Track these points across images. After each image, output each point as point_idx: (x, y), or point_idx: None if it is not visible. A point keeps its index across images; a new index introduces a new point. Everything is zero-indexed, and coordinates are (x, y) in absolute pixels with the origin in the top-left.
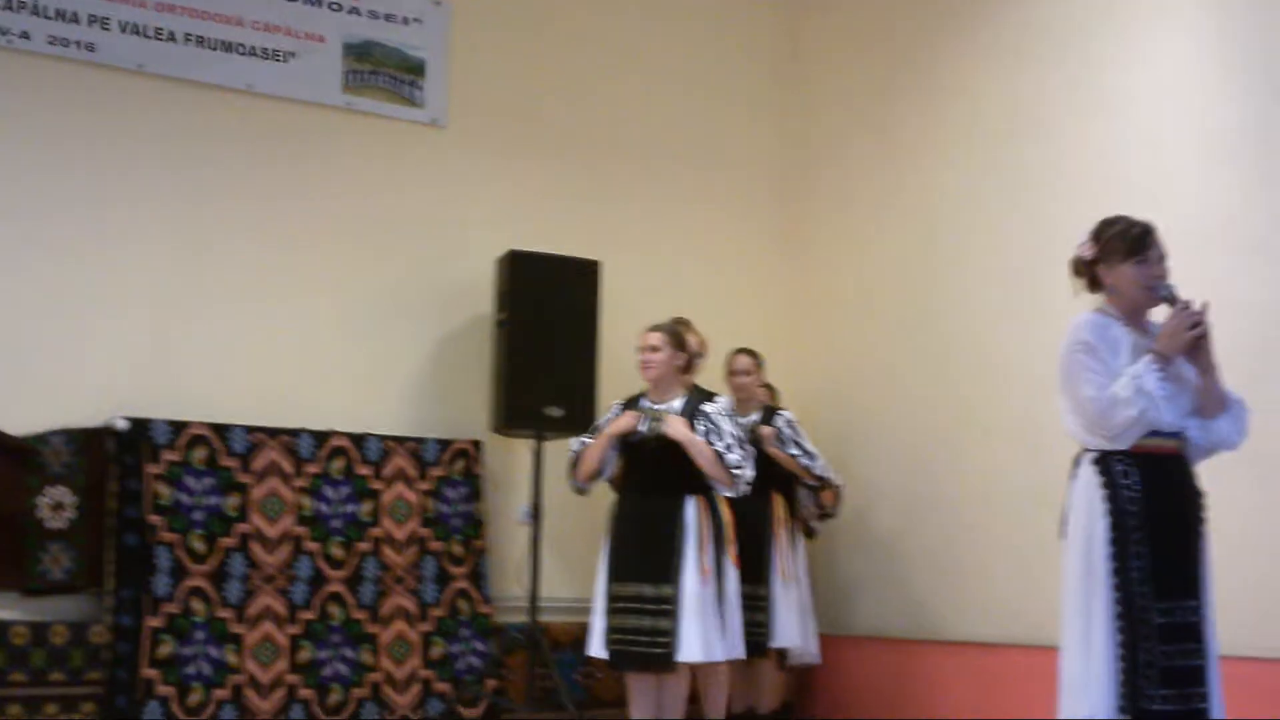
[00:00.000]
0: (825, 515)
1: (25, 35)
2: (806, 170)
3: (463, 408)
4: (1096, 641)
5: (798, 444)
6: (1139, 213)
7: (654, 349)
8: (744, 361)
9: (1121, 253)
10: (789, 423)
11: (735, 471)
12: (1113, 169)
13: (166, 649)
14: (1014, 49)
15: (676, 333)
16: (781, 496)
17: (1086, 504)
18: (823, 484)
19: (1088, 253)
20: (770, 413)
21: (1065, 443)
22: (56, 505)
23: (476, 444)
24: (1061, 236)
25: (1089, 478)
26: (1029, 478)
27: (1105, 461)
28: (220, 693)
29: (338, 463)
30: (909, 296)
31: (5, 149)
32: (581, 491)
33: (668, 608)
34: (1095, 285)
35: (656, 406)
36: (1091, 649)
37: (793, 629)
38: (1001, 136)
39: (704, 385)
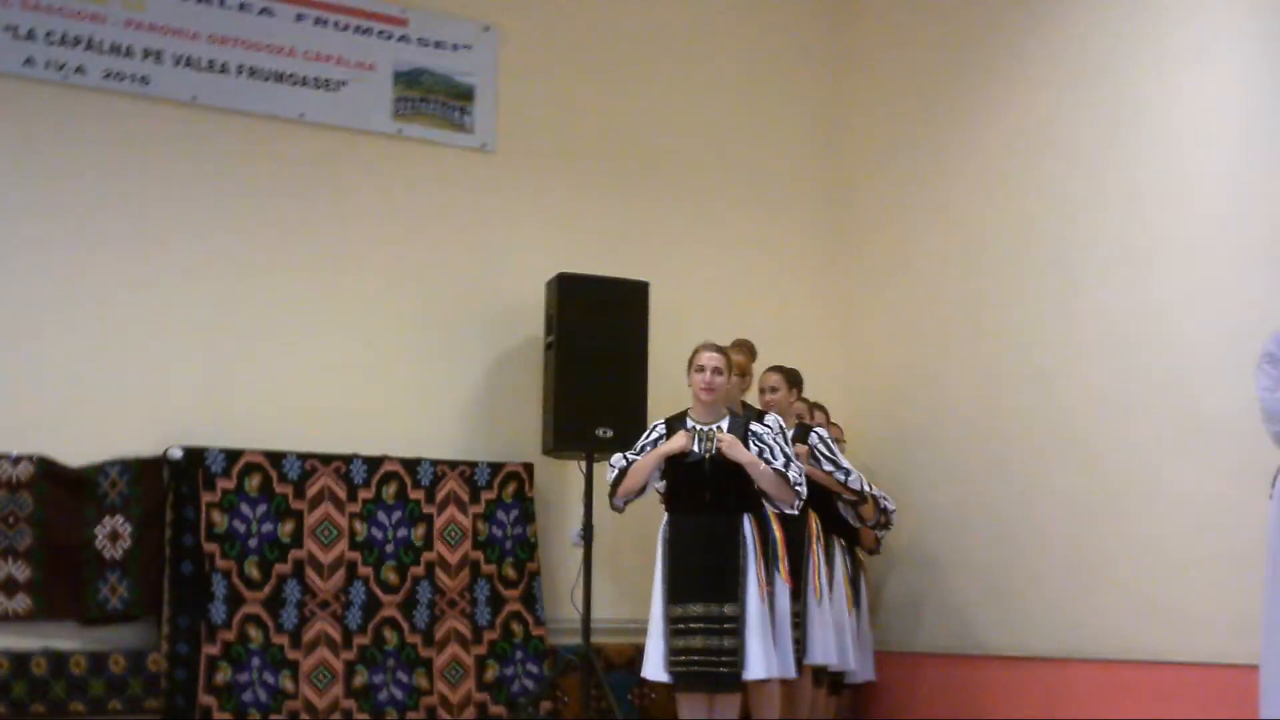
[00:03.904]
0: (875, 529)
1: (80, 70)
2: (852, 187)
3: (514, 430)
4: None
5: (831, 460)
6: (1174, 223)
7: (717, 371)
8: (772, 379)
9: None
10: (822, 439)
11: (796, 488)
12: (1148, 181)
13: (223, 676)
14: (1050, 63)
15: (739, 354)
16: (816, 514)
17: (1276, 516)
18: (859, 497)
19: None
20: (805, 430)
21: (1117, 452)
22: (114, 535)
23: (528, 466)
24: (1102, 247)
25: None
26: (1081, 489)
27: None
28: (277, 718)
29: (390, 487)
30: (955, 312)
31: (60, 183)
32: (619, 509)
33: (732, 626)
34: None
35: (704, 427)
36: None
37: (828, 646)
38: (1040, 151)
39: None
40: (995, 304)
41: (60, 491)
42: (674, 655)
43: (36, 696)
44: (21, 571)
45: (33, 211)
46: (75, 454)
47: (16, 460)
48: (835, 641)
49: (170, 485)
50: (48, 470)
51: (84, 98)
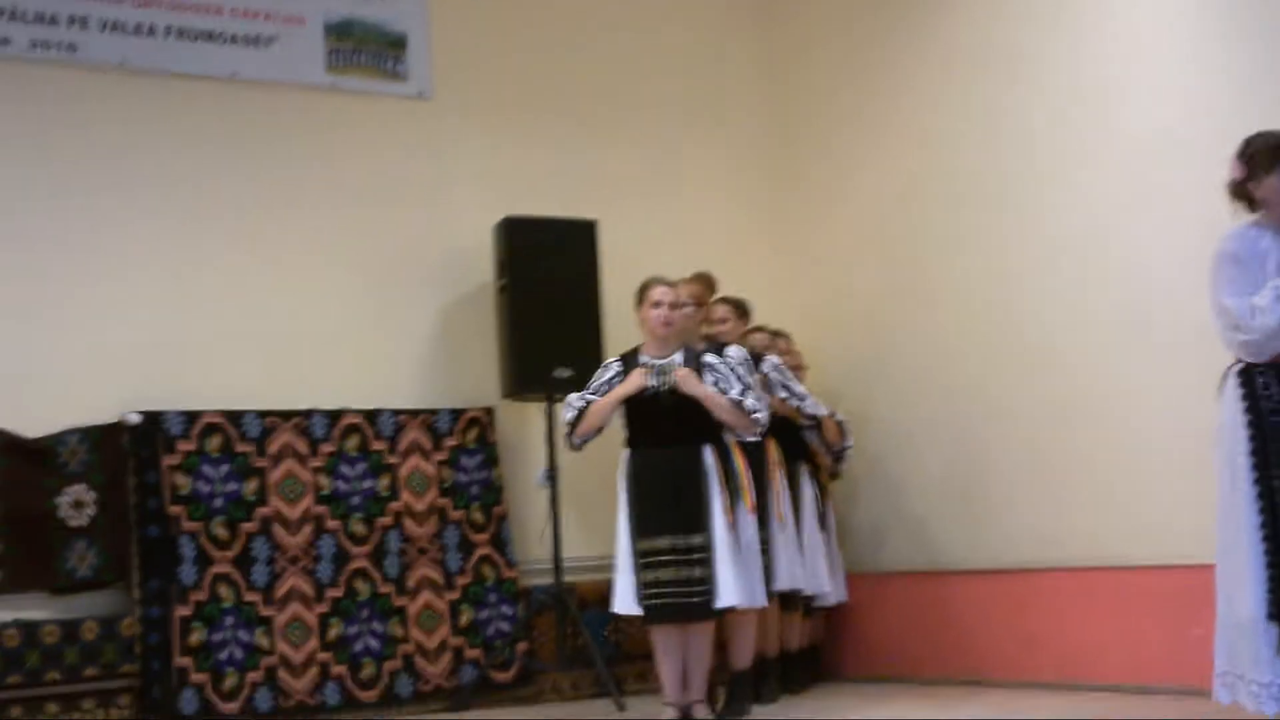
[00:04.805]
0: (838, 453)
1: (6, 41)
2: (796, 119)
3: (472, 376)
4: (1243, 549)
5: (785, 386)
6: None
7: (672, 305)
8: (721, 310)
9: (1266, 165)
10: (775, 367)
11: (754, 416)
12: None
13: (197, 637)
14: None
15: (697, 288)
16: (775, 441)
17: (1230, 417)
18: (816, 421)
19: (1237, 173)
20: (757, 360)
21: (1072, 359)
22: (77, 503)
23: (489, 411)
24: (1042, 154)
25: (1232, 390)
26: (1038, 399)
27: (1248, 374)
28: (254, 675)
29: (352, 440)
30: (903, 230)
31: (17, 163)
32: (577, 449)
33: (700, 556)
34: (1253, 205)
35: (658, 361)
36: (1238, 557)
37: (794, 571)
38: (979, 65)
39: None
40: (941, 217)
41: (20, 463)
42: (644, 589)
43: (11, 668)
44: None
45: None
46: (32, 425)
47: None
48: (804, 565)
49: (130, 450)
50: (6, 442)
51: (13, 70)
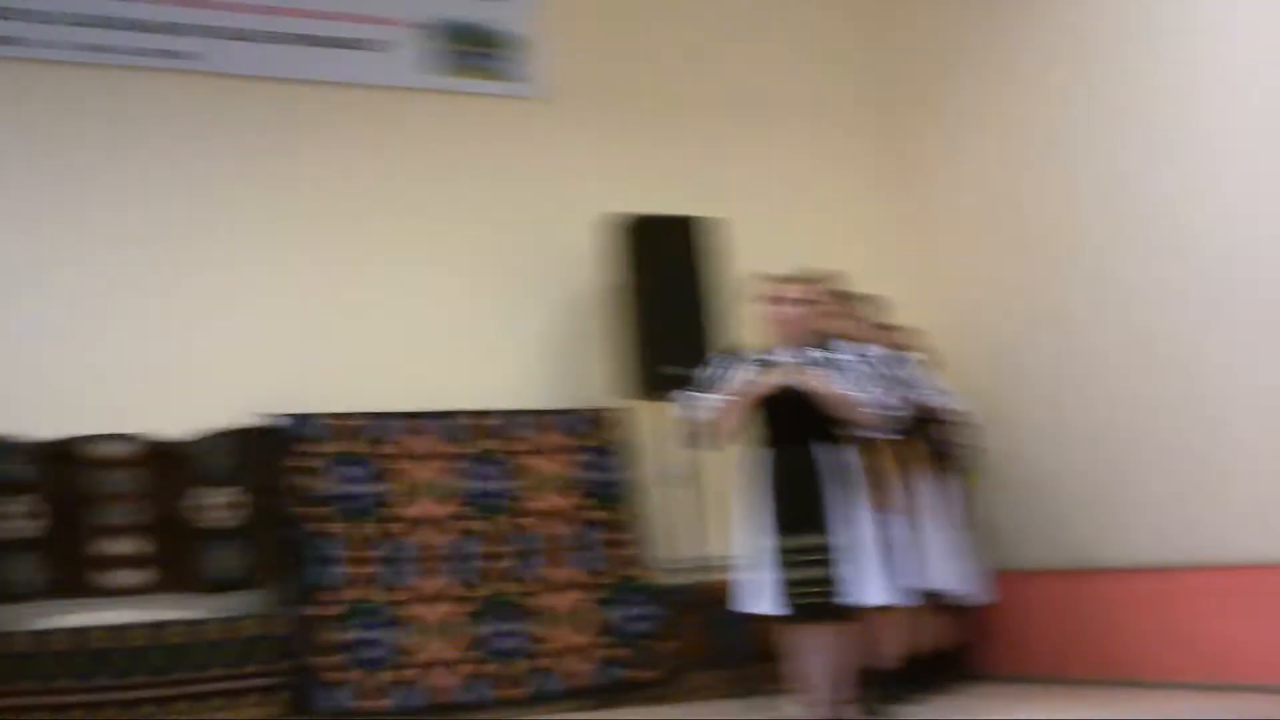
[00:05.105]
0: (973, 451)
1: (141, 52)
2: (916, 103)
3: (600, 376)
4: None
5: (924, 383)
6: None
7: (791, 301)
8: (850, 307)
9: None
10: (913, 363)
11: (882, 415)
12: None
13: (341, 636)
14: None
15: (821, 284)
16: (914, 439)
17: None
18: (956, 418)
19: None
20: (893, 357)
21: (1203, 354)
22: (221, 505)
23: (620, 411)
24: (1180, 142)
25: None
26: (1172, 394)
27: None
28: (396, 674)
29: (491, 441)
30: (1034, 222)
31: (140, 170)
32: (708, 449)
33: (836, 555)
34: None
35: (784, 359)
36: None
37: (935, 570)
38: (1112, 42)
39: None
40: (1073, 208)
41: (166, 466)
42: (781, 588)
43: (164, 666)
44: (141, 546)
45: (119, 202)
46: (177, 427)
47: (122, 439)
48: (942, 565)
49: (272, 452)
50: (152, 446)
51: (148, 79)
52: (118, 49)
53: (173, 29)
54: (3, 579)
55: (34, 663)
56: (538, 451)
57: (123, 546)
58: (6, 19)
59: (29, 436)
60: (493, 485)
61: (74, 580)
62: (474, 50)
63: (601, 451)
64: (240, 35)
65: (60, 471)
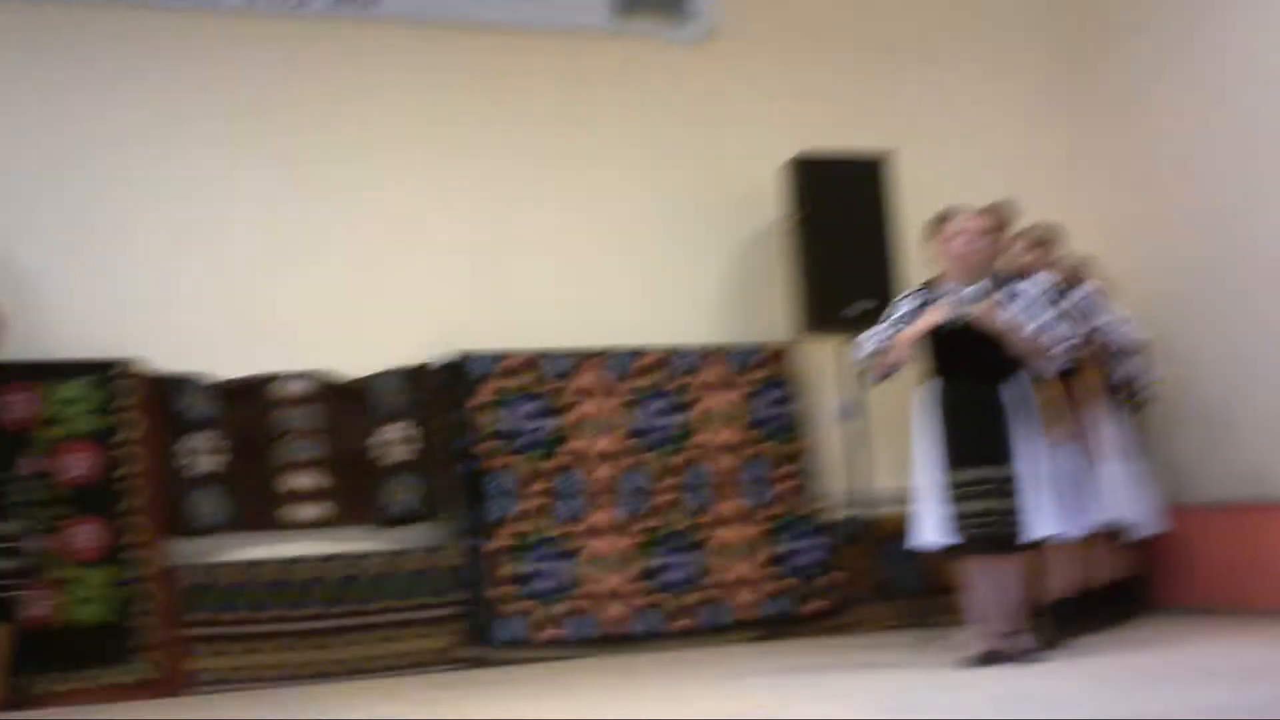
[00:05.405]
0: (1146, 382)
1: (303, 2)
2: (1094, 35)
3: (767, 313)
4: None
5: (1101, 312)
6: None
7: (971, 235)
8: (1024, 240)
9: None
10: (1090, 292)
11: (1054, 349)
12: None
13: (512, 568)
14: None
15: (997, 217)
16: (1090, 370)
17: None
18: (1136, 347)
19: None
20: (1069, 287)
21: None
22: (396, 441)
23: (786, 346)
24: None
25: None
26: None
27: None
28: (566, 606)
29: (655, 376)
30: (1214, 156)
31: (328, 122)
32: (878, 382)
33: (1012, 487)
34: None
35: (960, 292)
36: None
37: (1109, 503)
38: None
39: None
40: (1255, 138)
41: (343, 404)
42: (955, 520)
43: (340, 597)
44: (320, 481)
45: (306, 156)
46: (354, 366)
47: (302, 378)
48: (1118, 497)
49: (444, 389)
50: (329, 384)
51: (312, 26)
52: None
53: None
54: (190, 513)
55: (214, 593)
56: (709, 386)
57: (303, 481)
58: None
59: (213, 376)
60: (664, 420)
61: (257, 514)
62: None
63: (773, 386)
64: None
65: (243, 409)
